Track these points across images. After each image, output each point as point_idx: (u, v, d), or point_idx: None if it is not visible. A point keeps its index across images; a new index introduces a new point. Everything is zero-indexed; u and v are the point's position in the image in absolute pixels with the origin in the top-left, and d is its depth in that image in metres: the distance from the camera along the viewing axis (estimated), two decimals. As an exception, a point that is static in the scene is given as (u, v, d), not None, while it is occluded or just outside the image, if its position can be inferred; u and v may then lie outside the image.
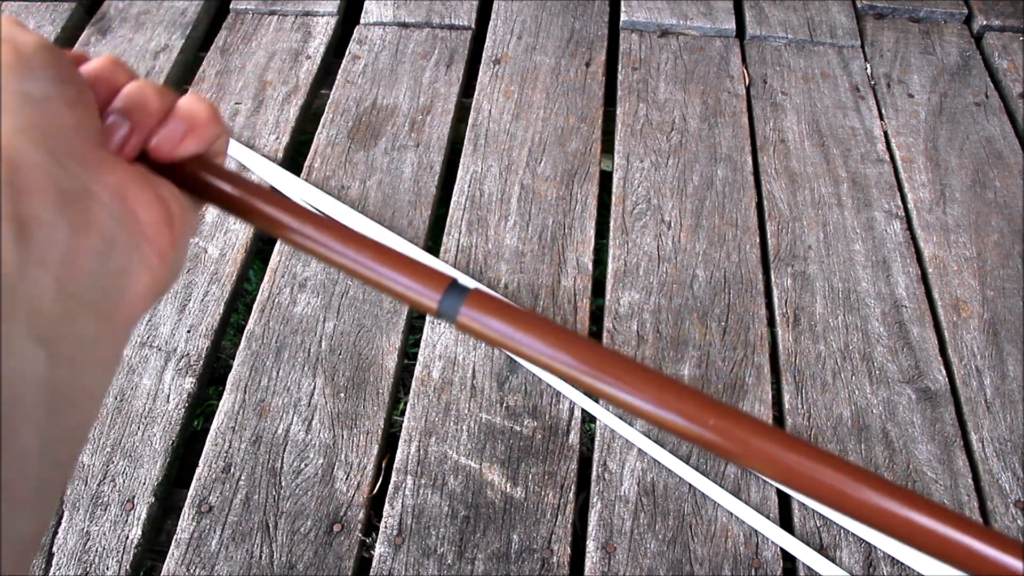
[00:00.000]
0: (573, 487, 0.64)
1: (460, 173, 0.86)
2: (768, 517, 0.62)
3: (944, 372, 0.71)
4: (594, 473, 0.65)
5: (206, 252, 0.79)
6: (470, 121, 0.91)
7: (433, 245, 0.82)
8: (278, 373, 0.70)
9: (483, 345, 0.71)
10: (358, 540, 0.61)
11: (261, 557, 0.60)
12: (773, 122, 0.92)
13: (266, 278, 0.76)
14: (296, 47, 1.00)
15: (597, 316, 0.78)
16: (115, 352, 0.21)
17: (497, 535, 0.61)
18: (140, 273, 0.22)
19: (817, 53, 1.01)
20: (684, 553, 0.61)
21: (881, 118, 0.93)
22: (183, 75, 1.01)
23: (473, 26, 1.02)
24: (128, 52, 0.99)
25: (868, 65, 0.99)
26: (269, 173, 0.84)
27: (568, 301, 0.75)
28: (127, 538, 0.61)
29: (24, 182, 0.19)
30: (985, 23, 1.04)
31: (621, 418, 0.67)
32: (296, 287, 0.76)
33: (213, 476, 0.64)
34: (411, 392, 0.69)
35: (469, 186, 0.84)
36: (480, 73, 0.97)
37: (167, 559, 0.60)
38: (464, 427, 0.67)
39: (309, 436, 0.66)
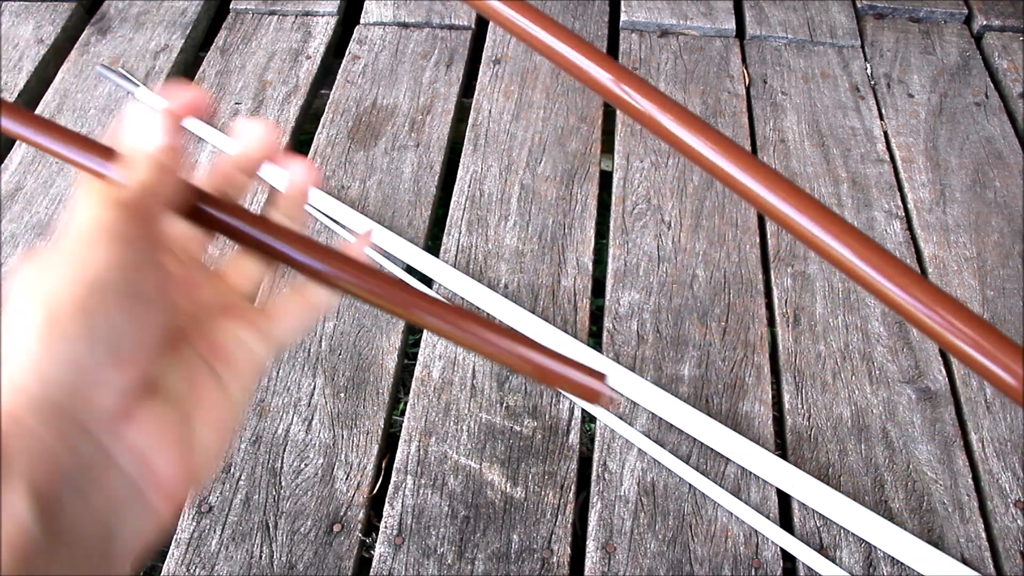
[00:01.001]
0: (573, 487, 0.64)
1: (460, 173, 0.86)
2: (768, 517, 0.62)
3: (944, 372, 0.71)
4: (594, 473, 0.65)
5: (206, 252, 0.79)
6: (470, 121, 0.91)
7: (433, 245, 0.82)
8: (278, 373, 0.70)
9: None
10: (358, 540, 0.61)
11: (261, 557, 0.60)
12: (773, 122, 0.92)
13: (266, 278, 0.76)
14: (296, 47, 1.00)
15: (597, 316, 0.78)
16: None
17: (497, 535, 0.61)
18: (143, 523, 0.21)
19: (817, 53, 1.01)
20: (684, 553, 0.61)
21: (881, 118, 0.93)
22: (183, 75, 1.01)
23: (473, 26, 1.02)
24: (128, 52, 0.99)
25: (868, 65, 0.99)
26: (269, 173, 0.84)
27: (568, 301, 0.75)
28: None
29: (46, 455, 0.18)
30: (985, 23, 1.04)
31: (621, 418, 0.67)
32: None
33: (213, 476, 0.64)
34: (411, 392, 0.69)
35: (469, 186, 0.85)
36: (480, 73, 0.97)
37: (167, 559, 0.60)
38: (464, 427, 0.67)
39: (309, 436, 0.66)
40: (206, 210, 0.26)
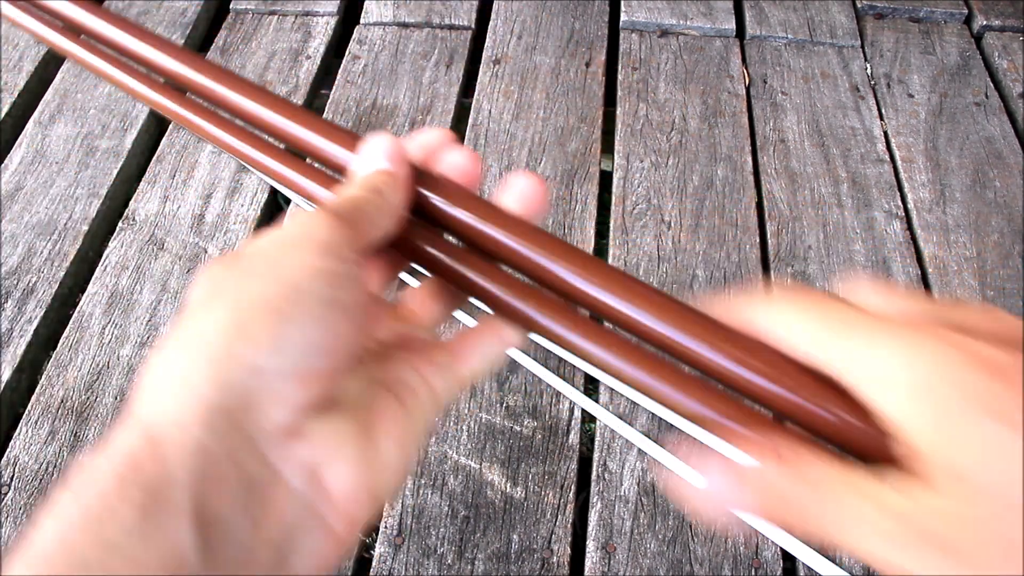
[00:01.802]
0: (573, 487, 0.64)
1: (460, 173, 0.86)
2: (768, 517, 0.62)
3: (944, 372, 0.71)
4: (594, 473, 0.65)
5: (206, 252, 0.79)
6: (470, 121, 0.91)
7: (433, 245, 0.82)
8: (278, 373, 0.70)
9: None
10: (358, 540, 0.61)
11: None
12: (773, 122, 0.92)
13: (266, 278, 0.76)
14: (296, 47, 1.00)
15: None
16: None
17: (497, 535, 0.61)
18: (319, 545, 0.19)
19: (817, 53, 1.01)
20: (684, 553, 0.61)
21: (881, 118, 0.93)
22: (183, 75, 1.01)
23: (473, 26, 1.03)
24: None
25: (868, 65, 0.99)
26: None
27: (568, 301, 0.75)
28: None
29: (212, 472, 0.16)
30: (985, 23, 1.04)
31: (621, 418, 0.67)
32: (296, 287, 0.76)
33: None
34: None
35: (469, 186, 0.84)
36: (480, 73, 0.97)
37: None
38: (464, 427, 0.67)
39: (309, 436, 0.66)
40: (415, 243, 0.24)
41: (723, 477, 0.20)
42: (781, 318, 0.20)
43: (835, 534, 0.18)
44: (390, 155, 0.23)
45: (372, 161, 0.23)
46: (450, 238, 0.25)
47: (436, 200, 0.24)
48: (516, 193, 0.24)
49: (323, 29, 1.02)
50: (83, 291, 0.76)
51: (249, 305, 0.18)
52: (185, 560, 0.15)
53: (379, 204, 0.22)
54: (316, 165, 0.27)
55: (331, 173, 0.26)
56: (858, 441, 0.20)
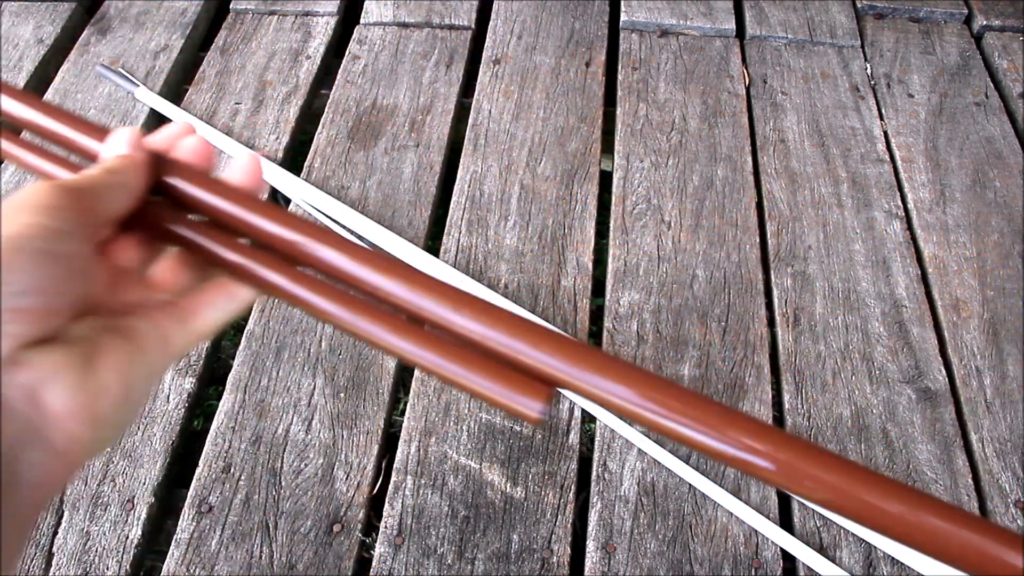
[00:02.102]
0: (573, 487, 0.64)
1: (460, 173, 0.86)
2: (768, 517, 0.62)
3: (944, 372, 0.71)
4: (594, 473, 0.65)
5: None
6: (470, 121, 0.91)
7: (433, 245, 0.82)
8: (278, 373, 0.70)
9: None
10: (358, 540, 0.61)
11: (261, 557, 0.60)
12: (773, 122, 0.92)
13: (266, 278, 0.76)
14: (296, 47, 1.00)
15: (597, 316, 0.78)
16: (21, 533, 0.21)
17: (497, 535, 0.61)
18: (46, 463, 0.22)
19: (817, 53, 1.01)
20: (684, 553, 0.61)
21: (881, 118, 0.93)
22: (183, 75, 1.01)
23: (473, 26, 1.02)
24: (128, 52, 0.99)
25: (868, 65, 0.99)
26: (269, 174, 0.84)
27: (568, 301, 0.75)
28: (127, 538, 0.61)
29: None
30: (985, 23, 1.04)
31: (621, 418, 0.67)
32: (296, 287, 0.76)
33: (213, 476, 0.64)
34: (411, 392, 0.69)
35: (469, 186, 0.85)
36: (480, 73, 0.97)
37: (167, 559, 0.60)
38: (464, 427, 0.67)
39: (309, 436, 0.66)
40: (157, 220, 0.28)
41: None
42: None
43: None
44: (129, 143, 0.27)
45: (114, 148, 0.27)
46: (191, 216, 0.28)
47: (174, 181, 0.28)
48: (239, 169, 0.29)
49: (323, 29, 1.02)
50: (83, 291, 0.76)
51: None
52: None
53: (112, 182, 0.25)
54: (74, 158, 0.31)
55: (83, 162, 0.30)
56: None
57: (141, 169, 0.27)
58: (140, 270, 0.28)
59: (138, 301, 0.27)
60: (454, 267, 0.77)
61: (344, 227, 0.79)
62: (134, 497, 0.63)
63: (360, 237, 0.78)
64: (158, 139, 0.29)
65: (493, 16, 1.04)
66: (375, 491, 0.64)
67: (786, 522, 0.63)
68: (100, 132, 0.30)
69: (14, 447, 0.21)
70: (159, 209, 0.28)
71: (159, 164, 0.28)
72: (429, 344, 0.25)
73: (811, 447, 0.23)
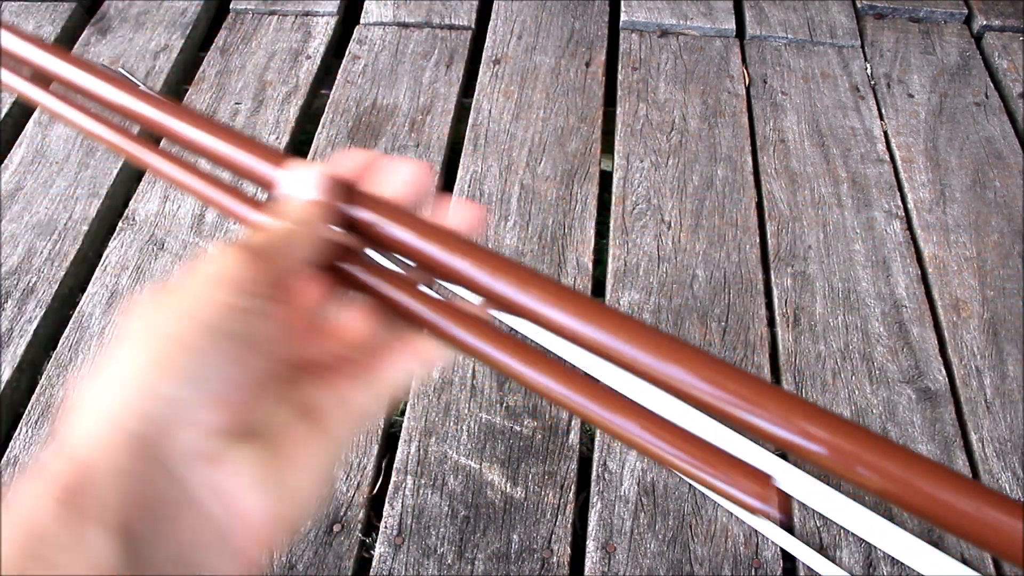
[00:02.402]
0: (573, 487, 0.64)
1: (460, 173, 0.86)
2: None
3: (944, 372, 0.71)
4: (594, 473, 0.65)
5: (206, 252, 0.79)
6: (470, 121, 0.91)
7: (433, 245, 0.82)
8: (278, 373, 0.70)
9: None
10: (358, 540, 0.61)
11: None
12: (773, 122, 0.92)
13: (266, 278, 0.76)
14: (296, 47, 1.00)
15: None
16: None
17: (497, 535, 0.61)
18: (227, 564, 0.21)
19: (817, 53, 1.01)
20: (684, 553, 0.61)
21: (881, 118, 0.93)
22: (183, 75, 1.01)
23: (473, 26, 1.02)
24: (128, 52, 0.99)
25: (868, 65, 0.99)
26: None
27: (568, 301, 0.75)
28: None
29: (133, 493, 0.18)
30: (985, 23, 1.04)
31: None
32: (296, 287, 0.76)
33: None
34: (411, 392, 0.69)
35: (469, 186, 0.85)
36: (480, 73, 0.97)
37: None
38: (464, 427, 0.67)
39: (309, 436, 0.66)
40: (344, 269, 0.25)
41: None
42: None
43: None
44: (317, 184, 0.24)
45: (297, 186, 0.25)
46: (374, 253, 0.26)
47: (368, 217, 0.25)
48: (455, 214, 0.26)
49: (323, 29, 1.02)
50: (83, 291, 0.76)
51: (164, 341, 0.20)
52: (112, 568, 0.17)
53: (298, 235, 0.23)
54: (248, 191, 0.28)
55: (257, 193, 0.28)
56: None
57: (331, 215, 0.24)
58: (320, 314, 0.26)
59: (320, 358, 0.25)
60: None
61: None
62: (134, 497, 0.63)
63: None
64: (347, 165, 0.26)
65: (493, 16, 1.04)
66: (375, 491, 0.64)
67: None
68: (275, 157, 0.27)
69: (198, 551, 0.20)
70: (344, 249, 0.25)
71: (349, 196, 0.25)
72: (647, 423, 0.23)
73: (867, 433, 0.23)
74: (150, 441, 0.19)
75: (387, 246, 0.25)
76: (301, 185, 0.25)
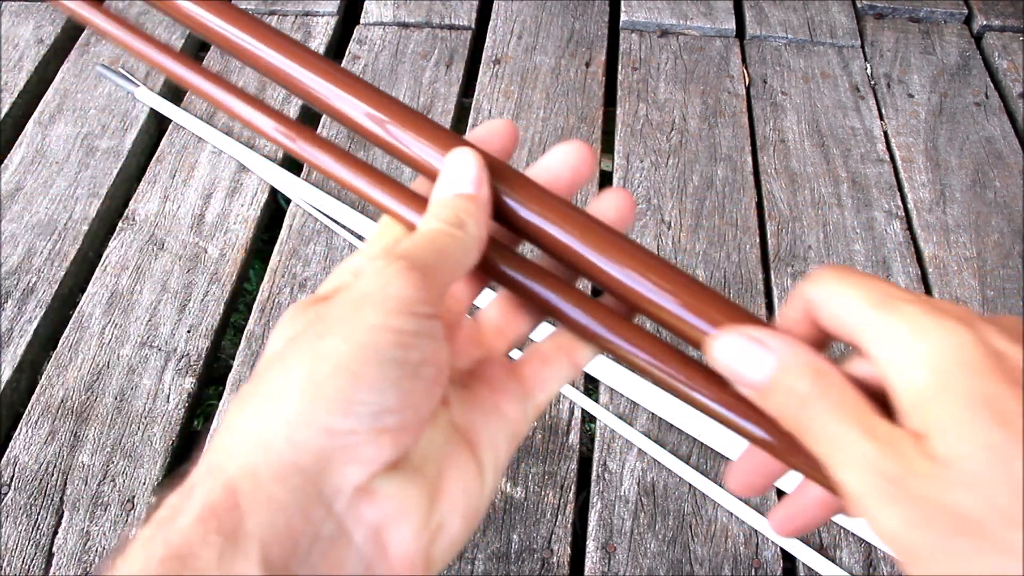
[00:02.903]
0: (573, 487, 0.64)
1: (460, 173, 0.86)
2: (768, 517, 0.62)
3: (944, 372, 0.71)
4: (594, 473, 0.65)
5: (206, 252, 0.79)
6: (470, 121, 0.91)
7: (433, 245, 0.82)
8: (278, 373, 0.70)
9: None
10: None
11: None
12: (773, 122, 0.92)
13: (266, 278, 0.76)
14: (296, 47, 1.00)
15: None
16: None
17: (497, 535, 0.61)
18: None
19: (817, 53, 1.01)
20: (684, 553, 0.61)
21: (881, 118, 0.93)
22: (183, 75, 1.00)
23: (473, 26, 1.03)
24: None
25: (868, 65, 0.99)
26: (269, 174, 0.84)
27: (568, 301, 0.75)
28: (127, 538, 0.61)
29: (282, 524, 0.17)
30: (985, 23, 1.04)
31: (621, 418, 0.67)
32: (296, 287, 0.76)
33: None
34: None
35: (469, 186, 0.84)
36: (480, 73, 0.97)
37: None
38: (464, 427, 0.67)
39: (309, 436, 0.66)
40: (500, 269, 0.23)
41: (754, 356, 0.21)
42: (828, 288, 0.21)
43: (824, 452, 0.20)
44: (475, 177, 0.22)
45: (455, 182, 0.22)
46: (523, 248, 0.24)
47: (513, 204, 0.23)
48: (607, 202, 0.24)
49: (323, 29, 1.02)
50: (83, 291, 0.76)
51: (324, 365, 0.18)
52: None
53: (459, 241, 0.21)
54: (408, 185, 0.26)
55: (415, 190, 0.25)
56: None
57: (487, 210, 0.22)
58: (467, 314, 0.24)
59: (473, 366, 0.24)
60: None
61: (344, 227, 0.79)
62: (134, 497, 0.63)
63: (360, 238, 0.78)
64: (497, 140, 0.24)
65: (493, 16, 1.04)
66: (375, 491, 0.64)
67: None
68: (444, 139, 0.24)
69: None
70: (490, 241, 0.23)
71: (509, 185, 0.23)
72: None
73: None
74: (309, 475, 0.18)
75: (545, 246, 0.23)
76: (458, 175, 0.22)
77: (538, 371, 0.24)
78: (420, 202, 0.24)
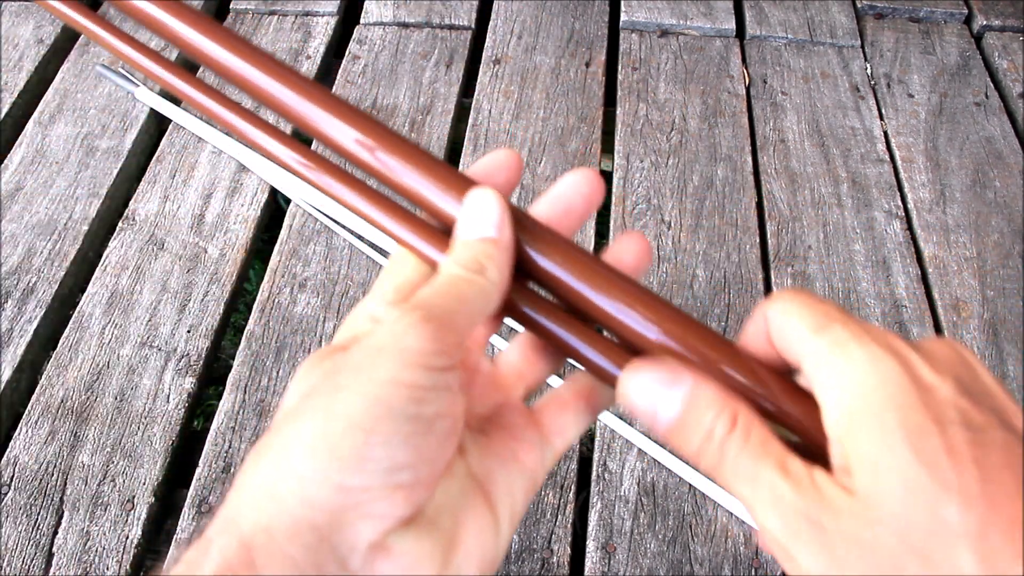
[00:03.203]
0: (573, 487, 0.64)
1: (460, 173, 0.86)
2: (768, 517, 0.62)
3: (944, 372, 0.71)
4: (594, 473, 0.65)
5: (206, 252, 0.79)
6: (470, 121, 0.91)
7: (433, 245, 0.82)
8: (278, 373, 0.70)
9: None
10: None
11: None
12: (773, 122, 0.92)
13: (266, 278, 0.76)
14: (296, 47, 1.00)
15: (597, 316, 0.78)
16: None
17: (497, 535, 0.61)
18: None
19: (817, 53, 1.01)
20: (684, 553, 0.61)
21: (881, 118, 0.93)
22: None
23: (473, 26, 1.02)
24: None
25: (868, 65, 0.99)
26: (269, 174, 0.84)
27: (568, 301, 0.75)
28: (127, 538, 0.61)
29: None
30: (985, 23, 1.04)
31: (621, 418, 0.67)
32: (296, 287, 0.76)
33: (213, 476, 0.64)
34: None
35: (469, 186, 0.84)
36: (480, 73, 0.97)
37: (167, 559, 0.60)
38: (464, 427, 0.67)
39: (309, 436, 0.66)
40: (520, 308, 0.23)
41: (666, 388, 0.21)
42: (779, 309, 0.21)
43: (741, 493, 0.19)
44: (497, 220, 0.22)
45: (477, 225, 0.22)
46: (540, 290, 0.23)
47: (531, 251, 0.22)
48: (624, 248, 0.23)
49: (323, 29, 1.02)
50: (83, 291, 0.76)
51: (337, 422, 0.18)
52: None
53: (480, 288, 0.21)
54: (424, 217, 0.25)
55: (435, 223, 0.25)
56: (798, 425, 0.21)
57: (510, 254, 0.22)
58: (485, 355, 0.24)
59: (490, 412, 0.23)
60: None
61: (344, 227, 0.79)
62: (134, 497, 0.63)
63: (360, 237, 0.78)
64: (501, 176, 0.23)
65: (493, 16, 1.04)
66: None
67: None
68: (458, 183, 0.23)
69: None
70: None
71: (527, 231, 0.22)
72: None
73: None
74: (323, 533, 0.18)
75: (558, 294, 0.22)
76: (480, 217, 0.22)
77: (556, 417, 0.24)
78: (439, 237, 0.23)
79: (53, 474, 0.64)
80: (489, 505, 0.21)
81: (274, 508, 0.18)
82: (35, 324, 0.73)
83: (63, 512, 0.62)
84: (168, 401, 0.68)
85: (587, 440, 0.70)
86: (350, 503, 0.18)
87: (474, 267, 0.21)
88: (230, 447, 0.66)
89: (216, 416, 0.68)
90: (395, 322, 0.19)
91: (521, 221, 0.23)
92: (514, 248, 0.22)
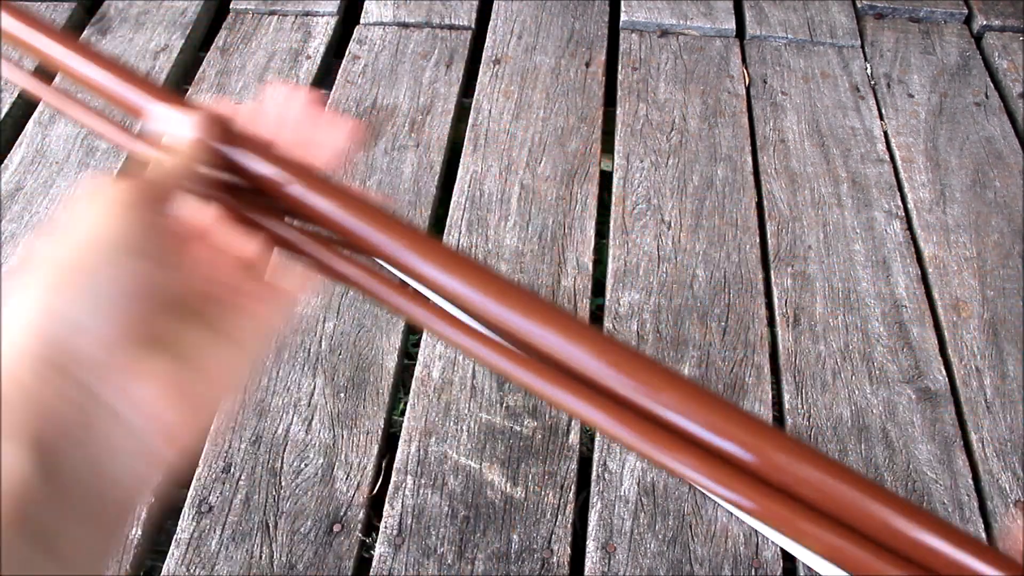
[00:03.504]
0: (573, 487, 0.64)
1: (460, 173, 0.86)
2: (768, 517, 0.62)
3: (944, 372, 0.71)
4: (594, 473, 0.65)
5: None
6: (470, 121, 0.91)
7: (433, 245, 0.82)
8: (278, 373, 0.70)
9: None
10: (358, 540, 0.61)
11: (261, 557, 0.60)
12: (773, 122, 0.92)
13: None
14: (296, 47, 1.00)
15: (597, 316, 0.78)
16: (110, 536, 0.21)
17: (497, 535, 0.61)
18: (144, 467, 0.22)
19: (817, 53, 1.01)
20: (684, 553, 0.61)
21: (881, 118, 0.93)
22: (183, 75, 1.01)
23: (473, 26, 1.02)
24: (128, 52, 0.99)
25: (868, 65, 0.99)
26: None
27: (568, 301, 0.75)
28: (127, 538, 0.61)
29: (44, 411, 0.19)
30: (985, 23, 1.04)
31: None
32: (296, 287, 0.76)
33: (213, 476, 0.64)
34: (411, 392, 0.69)
35: (469, 186, 0.84)
36: (480, 73, 0.97)
37: (167, 559, 0.60)
38: (464, 427, 0.67)
39: (309, 436, 0.66)
40: (234, 207, 0.27)
41: None
42: None
43: None
44: (194, 123, 0.26)
45: (175, 126, 0.26)
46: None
47: (249, 164, 0.26)
48: (330, 130, 0.27)
49: (323, 29, 1.02)
50: (83, 291, 0.76)
51: (60, 264, 0.21)
52: (24, 478, 0.18)
53: (181, 168, 0.25)
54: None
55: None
56: None
57: (209, 153, 0.26)
58: (228, 248, 0.28)
59: (232, 283, 0.26)
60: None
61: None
62: (134, 497, 0.63)
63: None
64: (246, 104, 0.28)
65: (493, 16, 1.04)
66: (375, 491, 0.64)
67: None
68: (152, 89, 0.28)
69: (114, 456, 0.21)
70: (240, 195, 0.27)
71: (227, 137, 0.26)
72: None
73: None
74: (53, 359, 0.20)
75: (269, 194, 0.27)
76: (178, 123, 0.26)
77: (273, 290, 0.27)
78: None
79: (53, 474, 0.64)
80: (225, 342, 0.25)
81: (8, 346, 0.20)
82: (35, 324, 0.73)
83: (63, 512, 0.62)
84: (168, 401, 0.68)
85: (587, 440, 0.70)
86: (75, 330, 0.21)
87: (175, 153, 0.25)
88: (230, 447, 0.66)
89: (216, 416, 0.68)
90: (101, 183, 0.23)
91: (235, 137, 0.26)
92: (210, 151, 0.26)
